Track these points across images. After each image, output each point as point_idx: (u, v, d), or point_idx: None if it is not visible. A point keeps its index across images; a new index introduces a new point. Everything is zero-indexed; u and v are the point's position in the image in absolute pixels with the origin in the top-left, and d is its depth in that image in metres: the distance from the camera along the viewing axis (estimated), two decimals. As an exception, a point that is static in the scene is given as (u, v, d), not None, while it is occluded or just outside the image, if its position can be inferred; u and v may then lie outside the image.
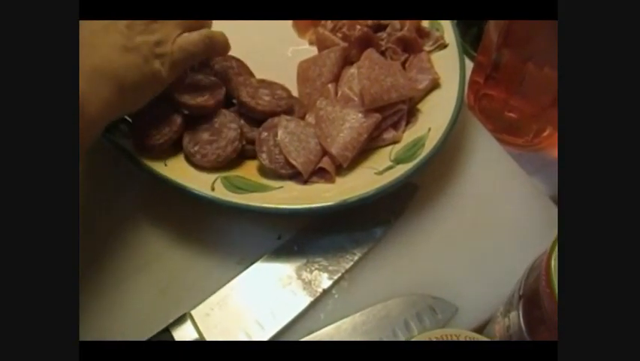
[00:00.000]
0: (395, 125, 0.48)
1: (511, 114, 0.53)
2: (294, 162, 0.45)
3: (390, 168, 0.46)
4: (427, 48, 0.54)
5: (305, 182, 0.46)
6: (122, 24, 0.41)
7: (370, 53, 0.50)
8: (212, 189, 0.45)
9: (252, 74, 0.52)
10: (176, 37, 0.44)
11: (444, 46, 0.54)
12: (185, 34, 0.45)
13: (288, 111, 0.50)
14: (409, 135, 0.48)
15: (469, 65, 0.57)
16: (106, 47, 0.41)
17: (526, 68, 0.49)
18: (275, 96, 0.50)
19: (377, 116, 0.47)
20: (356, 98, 0.48)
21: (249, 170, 0.47)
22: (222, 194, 0.44)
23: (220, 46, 0.48)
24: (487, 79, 0.54)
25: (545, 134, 0.54)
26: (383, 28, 0.55)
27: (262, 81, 0.51)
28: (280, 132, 0.47)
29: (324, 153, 0.47)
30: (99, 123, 0.41)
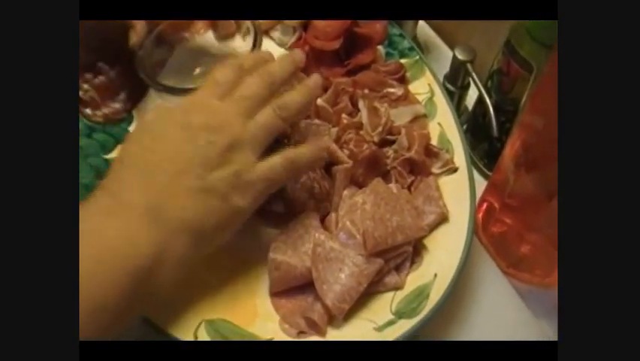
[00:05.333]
0: (398, 268, 0.45)
1: (524, 249, 0.50)
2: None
3: (391, 323, 0.42)
4: (435, 170, 0.50)
5: (297, 333, 0.42)
6: (196, 164, 0.38)
7: (377, 185, 0.46)
8: (196, 336, 0.41)
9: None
10: (254, 161, 0.40)
11: (454, 170, 0.50)
12: (265, 162, 0.40)
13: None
14: (412, 280, 0.44)
15: (479, 181, 0.53)
16: (184, 194, 0.37)
17: (550, 204, 0.45)
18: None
19: (379, 262, 0.43)
20: (358, 236, 0.44)
21: (240, 314, 0.43)
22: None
23: (304, 166, 0.44)
24: (504, 205, 0.50)
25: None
26: (390, 143, 0.51)
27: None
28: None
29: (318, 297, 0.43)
30: (178, 268, 0.38)
